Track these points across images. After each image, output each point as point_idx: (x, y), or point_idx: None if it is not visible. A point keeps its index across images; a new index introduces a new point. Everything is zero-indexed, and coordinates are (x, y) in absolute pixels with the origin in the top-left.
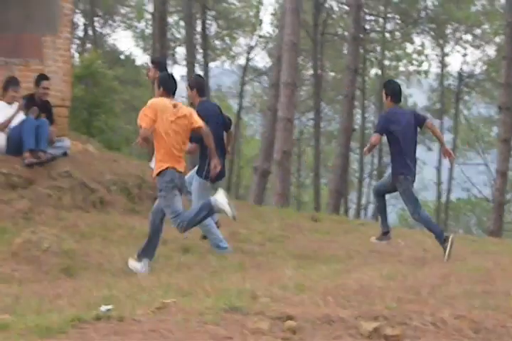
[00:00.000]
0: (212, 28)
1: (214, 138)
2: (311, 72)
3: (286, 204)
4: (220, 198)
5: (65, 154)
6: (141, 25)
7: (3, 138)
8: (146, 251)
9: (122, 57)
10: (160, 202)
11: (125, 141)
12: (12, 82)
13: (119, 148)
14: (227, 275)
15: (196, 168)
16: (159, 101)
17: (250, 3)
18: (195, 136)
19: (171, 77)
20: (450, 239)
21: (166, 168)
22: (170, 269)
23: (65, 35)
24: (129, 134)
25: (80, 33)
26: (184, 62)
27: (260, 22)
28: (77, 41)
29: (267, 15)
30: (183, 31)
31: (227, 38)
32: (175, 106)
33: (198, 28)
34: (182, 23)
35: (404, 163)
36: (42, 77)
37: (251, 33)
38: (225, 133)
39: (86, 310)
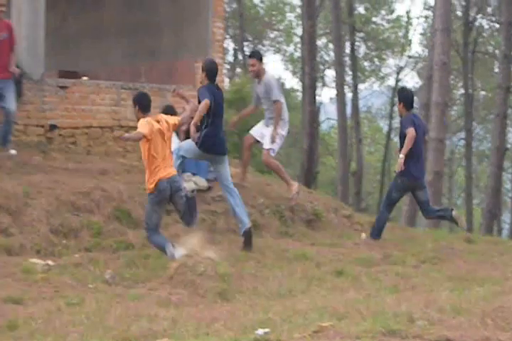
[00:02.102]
0: (361, 50)
1: (216, 117)
2: (461, 91)
3: (437, 226)
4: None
5: None
6: (290, 48)
7: None
8: None
9: None
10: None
11: None
12: (168, 111)
13: (271, 171)
14: (381, 297)
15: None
16: (148, 120)
17: (399, 23)
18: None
19: (146, 95)
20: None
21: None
22: (324, 292)
23: (217, 61)
24: (281, 158)
25: (230, 58)
26: (333, 85)
27: (409, 42)
28: (227, 66)
29: (416, 35)
30: (331, 53)
31: (376, 59)
32: (158, 121)
33: (347, 50)
34: (331, 46)
35: (411, 165)
36: None
37: (400, 54)
38: None
39: (243, 333)
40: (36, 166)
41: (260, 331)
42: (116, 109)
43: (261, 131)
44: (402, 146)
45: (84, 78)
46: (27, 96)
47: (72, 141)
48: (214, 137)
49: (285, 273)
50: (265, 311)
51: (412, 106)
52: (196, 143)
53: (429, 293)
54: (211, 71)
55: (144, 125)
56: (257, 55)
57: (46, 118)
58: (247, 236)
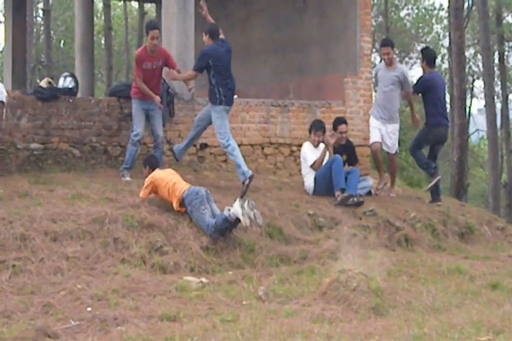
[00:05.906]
0: (511, 59)
1: (222, 75)
2: None
3: None
4: (235, 208)
5: (369, 193)
6: (437, 60)
7: (311, 179)
8: None
9: None
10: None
11: (426, 177)
12: (315, 126)
13: (420, 184)
14: None
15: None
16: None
17: None
18: (200, 66)
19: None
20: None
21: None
22: (479, 306)
23: (365, 76)
24: None
25: None
26: (482, 95)
27: None
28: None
29: None
30: (480, 64)
31: None
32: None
33: (496, 60)
34: (479, 56)
35: (438, 118)
36: (340, 121)
37: None
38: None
39: None
40: None
41: None
42: (265, 126)
43: (381, 134)
44: (424, 98)
45: (234, 96)
46: (178, 116)
47: (222, 159)
48: (227, 91)
49: (439, 287)
50: (420, 326)
51: (434, 64)
52: (215, 103)
53: None
54: (213, 31)
55: (145, 186)
56: (391, 43)
57: None
58: None
